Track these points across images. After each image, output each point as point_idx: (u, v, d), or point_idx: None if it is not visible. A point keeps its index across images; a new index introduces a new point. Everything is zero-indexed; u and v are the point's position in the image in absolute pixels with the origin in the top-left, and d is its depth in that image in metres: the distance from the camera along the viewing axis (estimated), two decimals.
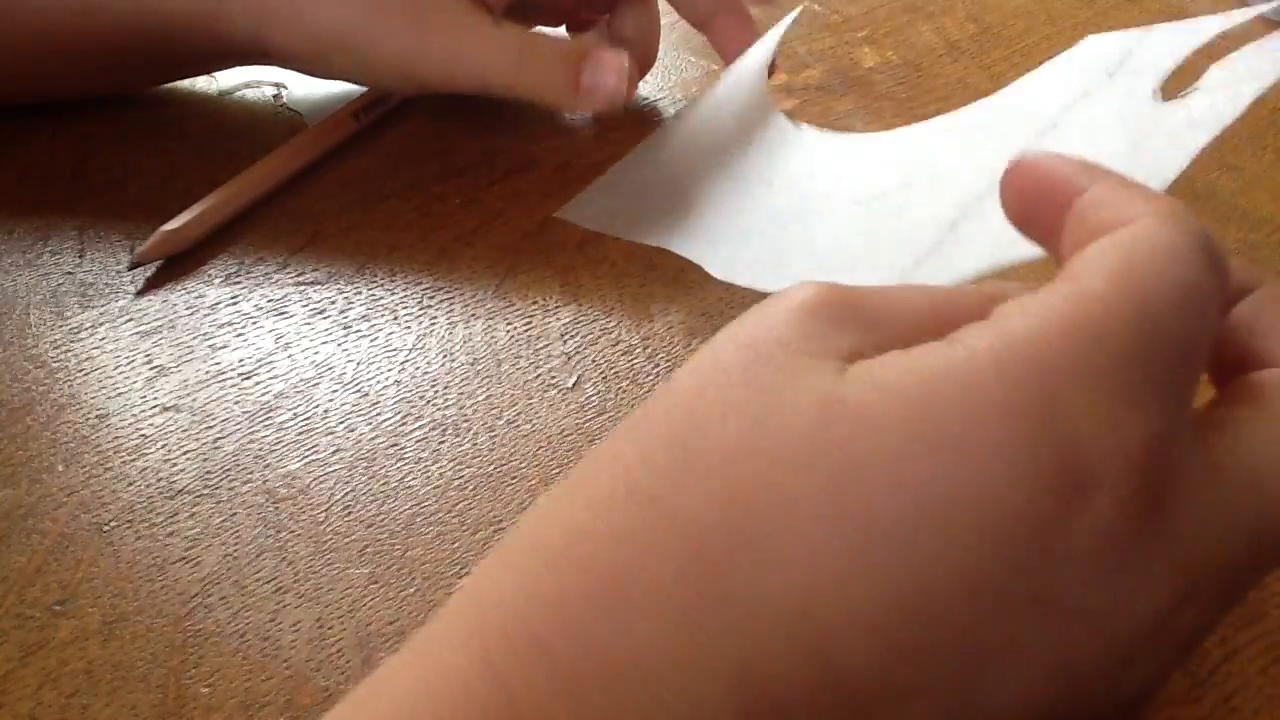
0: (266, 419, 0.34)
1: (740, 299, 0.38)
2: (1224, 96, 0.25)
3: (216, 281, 0.39)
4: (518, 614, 0.18)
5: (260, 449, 0.33)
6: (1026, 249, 0.26)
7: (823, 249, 0.34)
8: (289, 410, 0.34)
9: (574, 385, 0.35)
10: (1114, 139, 0.28)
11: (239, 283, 0.39)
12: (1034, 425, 0.17)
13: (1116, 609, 0.17)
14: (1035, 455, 0.16)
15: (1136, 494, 0.17)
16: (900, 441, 0.17)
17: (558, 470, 0.33)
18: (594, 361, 0.36)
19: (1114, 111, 0.29)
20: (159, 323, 0.37)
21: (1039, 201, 0.22)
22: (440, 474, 0.32)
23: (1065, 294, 0.18)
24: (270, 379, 0.35)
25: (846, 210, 0.35)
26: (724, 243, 0.37)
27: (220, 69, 0.46)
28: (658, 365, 0.36)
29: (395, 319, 0.37)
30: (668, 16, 0.52)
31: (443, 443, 0.33)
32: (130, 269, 0.39)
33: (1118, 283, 0.18)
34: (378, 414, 0.34)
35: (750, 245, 0.36)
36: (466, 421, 0.34)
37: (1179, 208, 0.20)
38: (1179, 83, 0.28)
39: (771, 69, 0.43)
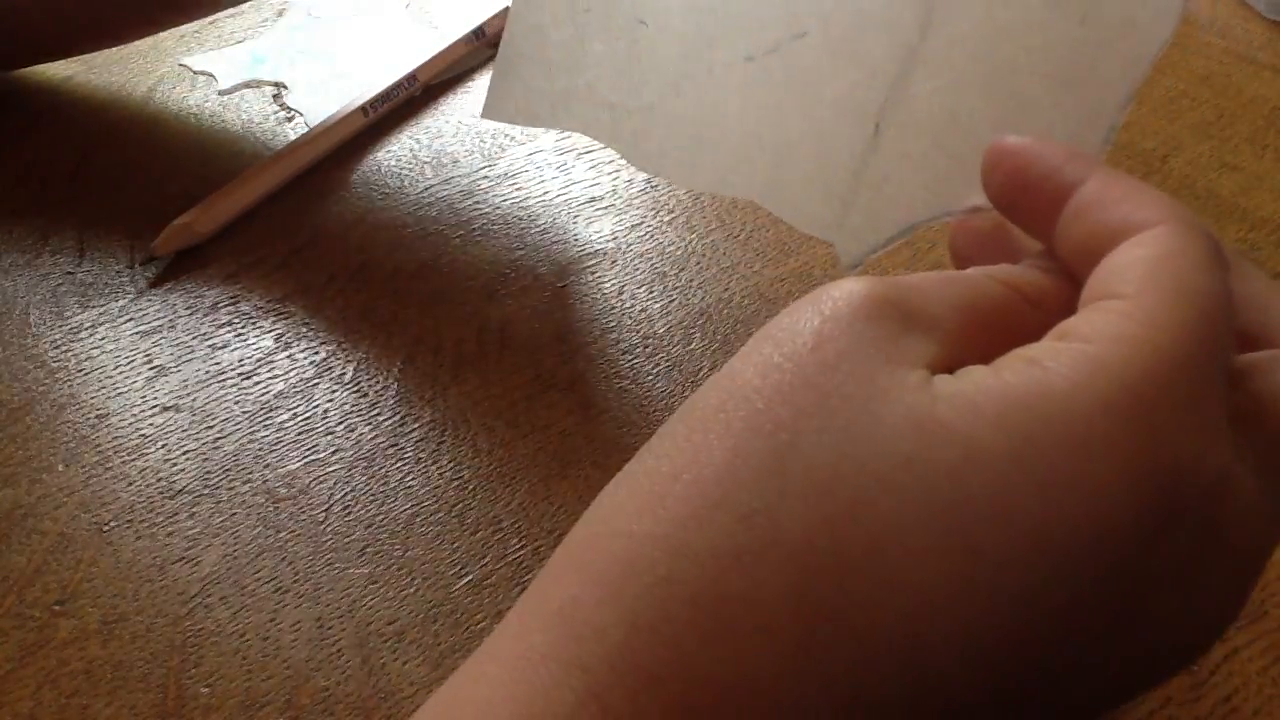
0: (266, 419, 0.34)
1: (741, 300, 0.38)
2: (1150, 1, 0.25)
3: (216, 281, 0.39)
4: (622, 644, 0.17)
5: (260, 449, 0.33)
6: (958, 201, 0.26)
7: (737, 135, 0.32)
8: (289, 410, 0.34)
9: (574, 385, 0.35)
10: (1033, 37, 0.26)
11: (239, 283, 0.39)
12: (1139, 461, 0.17)
13: (1189, 616, 0.19)
14: (1139, 490, 0.17)
15: (1213, 512, 0.18)
16: (1010, 475, 0.17)
17: (557, 471, 0.33)
18: (594, 361, 0.36)
19: None
20: (159, 323, 0.37)
21: (1027, 191, 0.22)
22: (440, 474, 0.32)
23: (1136, 318, 0.19)
24: (270, 379, 0.35)
25: (740, 70, 0.32)
26: (624, 116, 0.34)
27: (219, 6, 0.45)
28: (658, 365, 0.36)
29: (395, 319, 0.37)
30: None
31: (442, 443, 0.33)
32: (142, 264, 0.39)
33: (1179, 309, 0.19)
34: (378, 414, 0.34)
35: (653, 123, 0.34)
36: (466, 421, 0.34)
37: (1188, 211, 0.20)
38: None
39: None
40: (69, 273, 0.39)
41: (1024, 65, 0.26)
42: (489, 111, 0.35)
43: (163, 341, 0.36)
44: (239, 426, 0.34)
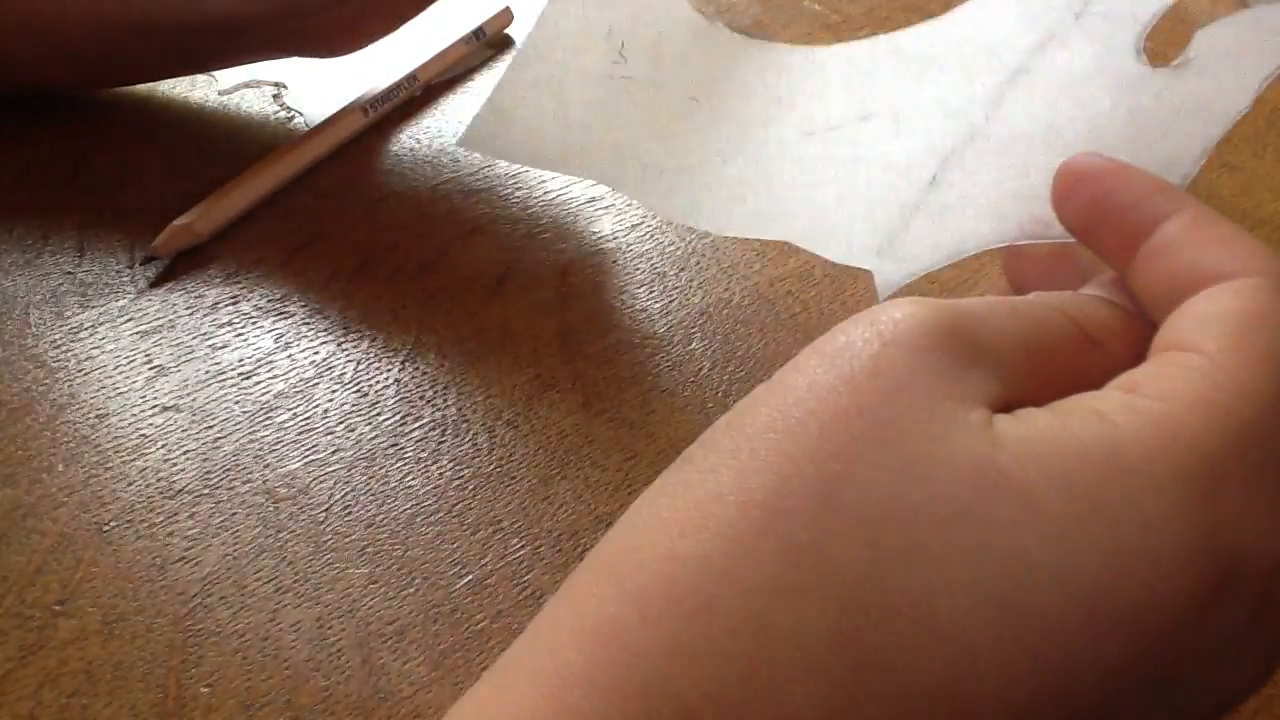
0: (266, 419, 0.34)
1: (741, 300, 0.38)
2: (1225, 78, 0.24)
3: (216, 281, 0.39)
4: (660, 671, 0.17)
5: (260, 449, 0.33)
6: (1015, 233, 0.25)
7: (784, 194, 0.31)
8: (289, 410, 0.34)
9: (574, 385, 0.35)
10: (1104, 105, 0.26)
11: (239, 283, 0.39)
12: (1201, 532, 0.17)
13: (1220, 687, 0.18)
14: (1200, 564, 0.17)
15: (1265, 591, 0.18)
16: (1070, 537, 0.17)
17: (557, 471, 0.33)
18: (594, 360, 0.36)
19: (1095, 65, 0.27)
20: (159, 323, 0.37)
21: (1107, 219, 0.21)
22: (440, 474, 0.32)
23: (1217, 382, 0.18)
24: (270, 379, 0.35)
25: (798, 144, 0.32)
26: (657, 174, 0.33)
27: (220, 63, 0.46)
28: (658, 365, 0.36)
29: (395, 319, 0.37)
30: None
31: (443, 443, 0.33)
32: (142, 264, 0.39)
33: (1266, 378, 0.18)
34: (378, 414, 0.34)
35: (691, 182, 0.33)
36: (466, 421, 0.34)
37: (1279, 262, 0.20)
38: (1160, 46, 0.27)
39: None
40: (69, 273, 0.39)
41: (1096, 129, 0.25)
42: (470, 142, 0.34)
43: (163, 341, 0.36)
44: (239, 426, 0.34)
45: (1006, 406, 0.19)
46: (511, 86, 0.34)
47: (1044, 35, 0.28)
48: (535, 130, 0.34)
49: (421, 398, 0.35)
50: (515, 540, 0.31)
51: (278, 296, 0.38)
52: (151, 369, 0.35)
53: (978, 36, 0.30)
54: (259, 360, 0.36)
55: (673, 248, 0.40)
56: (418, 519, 0.31)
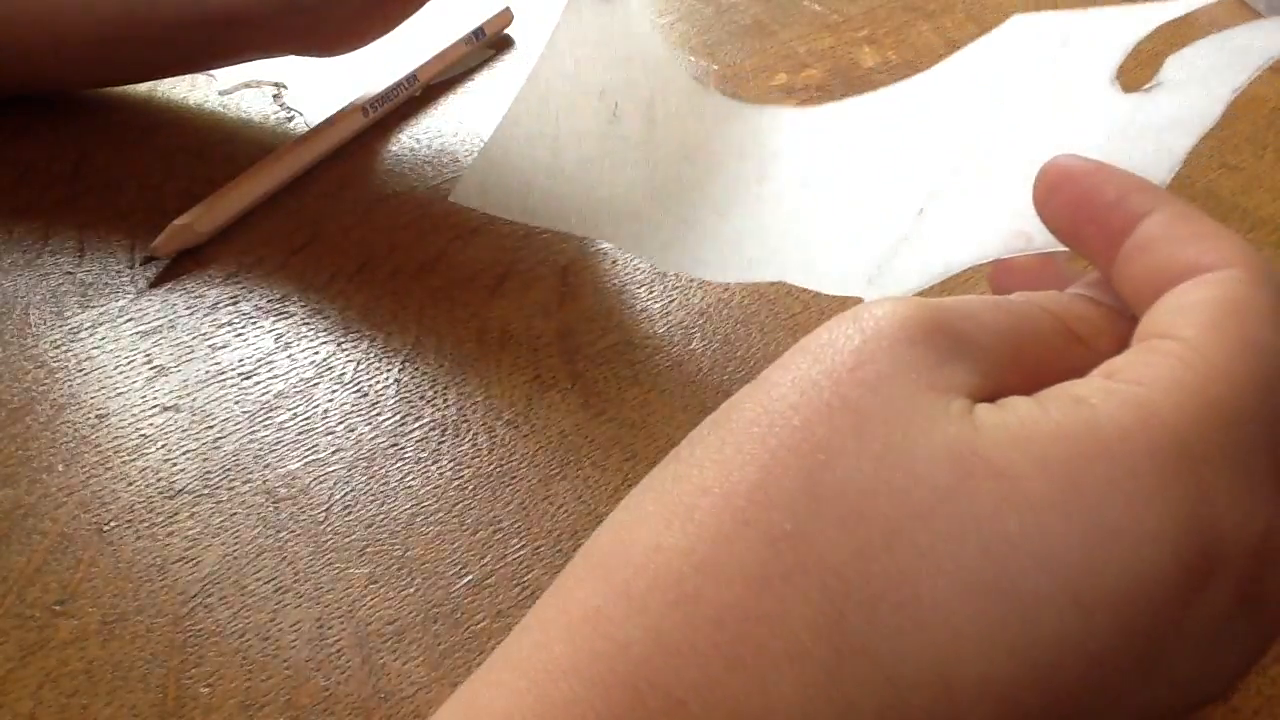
0: (266, 419, 0.34)
1: (741, 300, 0.38)
2: (1196, 94, 0.24)
3: (216, 281, 0.39)
4: (645, 663, 0.17)
5: (260, 449, 0.33)
6: (999, 248, 0.25)
7: (779, 241, 0.32)
8: (289, 410, 0.34)
9: (574, 385, 0.35)
10: (1083, 126, 0.26)
11: (239, 283, 0.39)
12: (1182, 514, 0.17)
13: (1205, 675, 0.18)
14: (1180, 544, 0.17)
15: (1250, 576, 0.17)
16: (1050, 519, 0.17)
17: (557, 471, 0.33)
18: (594, 361, 0.36)
19: (1072, 95, 0.27)
20: (159, 323, 0.37)
21: (1089, 219, 0.22)
22: (440, 474, 0.32)
23: (1193, 365, 0.18)
24: (270, 379, 0.35)
25: (792, 195, 0.33)
26: (655, 229, 0.34)
27: (220, 60, 0.46)
28: (658, 365, 0.36)
29: (395, 319, 0.37)
30: (666, 16, 0.52)
31: (443, 443, 0.33)
32: (142, 264, 0.39)
33: (1242, 362, 0.18)
34: (378, 414, 0.34)
35: (688, 236, 0.34)
36: (466, 421, 0.34)
37: (1262, 258, 0.20)
38: (1134, 73, 0.27)
39: None
40: (69, 273, 0.39)
41: (1074, 150, 0.26)
42: (462, 195, 0.34)
43: (163, 341, 0.36)
44: (239, 426, 0.34)
45: (990, 399, 0.19)
46: (505, 141, 0.34)
47: (1024, 73, 0.29)
48: (529, 184, 0.35)
49: (421, 398, 0.35)
50: (515, 540, 0.31)
51: (278, 296, 0.38)
52: (151, 369, 0.35)
53: (963, 82, 0.31)
54: (259, 360, 0.36)
55: None
56: (418, 519, 0.31)
